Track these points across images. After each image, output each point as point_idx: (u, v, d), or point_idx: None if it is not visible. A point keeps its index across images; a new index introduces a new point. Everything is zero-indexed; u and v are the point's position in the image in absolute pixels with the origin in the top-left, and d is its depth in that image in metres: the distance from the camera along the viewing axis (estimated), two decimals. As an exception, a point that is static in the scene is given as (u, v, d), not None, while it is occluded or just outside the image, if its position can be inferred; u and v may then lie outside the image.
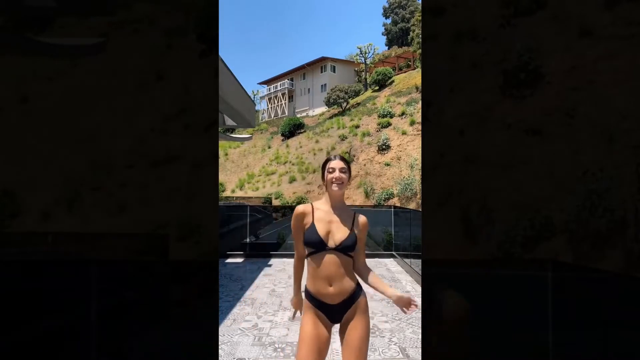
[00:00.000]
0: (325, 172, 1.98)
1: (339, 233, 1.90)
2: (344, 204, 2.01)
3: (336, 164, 1.95)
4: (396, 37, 47.16)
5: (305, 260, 1.95)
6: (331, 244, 1.88)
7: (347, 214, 1.97)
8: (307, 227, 1.91)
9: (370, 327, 4.09)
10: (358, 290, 1.97)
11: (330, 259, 1.88)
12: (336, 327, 1.97)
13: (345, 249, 1.89)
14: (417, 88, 29.47)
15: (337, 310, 1.92)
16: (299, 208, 1.98)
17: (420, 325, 2.67)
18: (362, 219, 2.01)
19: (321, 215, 1.94)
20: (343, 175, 1.93)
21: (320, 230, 1.88)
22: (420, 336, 2.61)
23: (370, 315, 4.14)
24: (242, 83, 7.04)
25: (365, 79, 38.88)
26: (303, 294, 1.99)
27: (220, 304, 4.54)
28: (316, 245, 1.88)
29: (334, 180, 1.92)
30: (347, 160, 2.03)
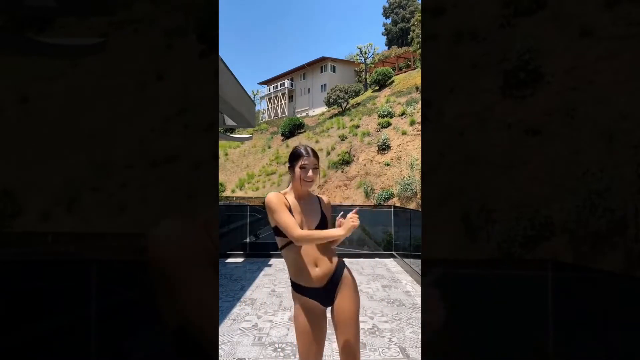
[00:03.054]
0: (297, 167, 1.94)
1: (311, 218, 1.92)
2: (309, 193, 2.00)
3: (310, 161, 1.90)
4: (396, 37, 47.14)
5: (283, 251, 1.92)
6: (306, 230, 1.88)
7: (312, 199, 1.99)
8: None
9: (370, 327, 4.09)
10: (341, 266, 1.97)
11: (308, 246, 1.88)
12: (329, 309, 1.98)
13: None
14: (417, 88, 29.47)
15: (326, 291, 1.92)
16: (274, 195, 1.90)
17: (420, 325, 2.67)
18: (325, 199, 2.05)
19: (292, 206, 1.93)
20: (315, 175, 1.92)
21: (297, 219, 1.87)
22: (420, 336, 2.61)
23: (370, 315, 4.15)
24: (242, 83, 7.04)
25: (365, 79, 38.86)
26: (290, 288, 1.99)
27: (220, 304, 4.54)
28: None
29: (306, 179, 1.90)
30: (318, 155, 2.01)
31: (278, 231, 1.85)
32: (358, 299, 1.96)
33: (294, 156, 1.93)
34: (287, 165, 1.98)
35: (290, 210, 1.86)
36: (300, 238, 1.79)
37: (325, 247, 1.91)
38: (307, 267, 1.87)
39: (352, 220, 1.79)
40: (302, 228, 1.84)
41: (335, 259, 1.94)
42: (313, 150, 1.94)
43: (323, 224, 1.92)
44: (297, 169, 1.90)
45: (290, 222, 1.81)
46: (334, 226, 1.95)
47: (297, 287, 1.91)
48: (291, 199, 1.93)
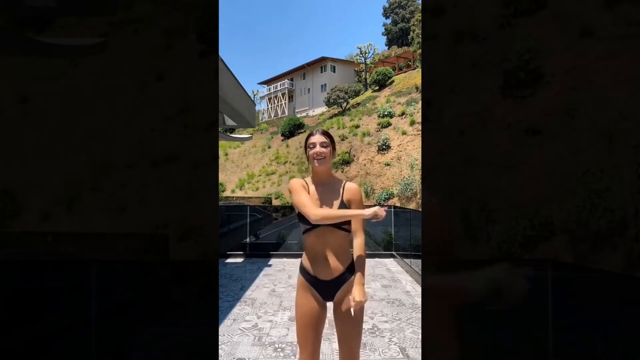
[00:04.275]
0: (307, 148, 1.95)
1: (328, 204, 1.86)
2: (332, 178, 1.96)
3: (317, 138, 1.90)
4: (396, 37, 47.12)
5: (303, 236, 1.93)
6: None
7: (335, 186, 1.91)
8: None
9: (370, 327, 4.09)
10: (351, 269, 1.94)
11: (324, 235, 1.85)
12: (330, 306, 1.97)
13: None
14: (417, 88, 29.46)
15: (329, 286, 1.91)
16: (295, 179, 1.93)
17: (420, 325, 2.67)
18: (350, 186, 1.92)
19: (312, 191, 1.90)
20: (324, 149, 1.88)
21: None
22: (420, 336, 2.61)
23: (370, 315, 4.15)
24: (242, 83, 7.05)
25: (365, 79, 38.83)
26: (298, 271, 1.99)
27: (220, 304, 4.54)
28: (310, 222, 1.84)
29: (315, 155, 1.88)
30: (329, 134, 1.98)
31: (300, 216, 1.85)
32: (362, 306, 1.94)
33: (305, 140, 1.95)
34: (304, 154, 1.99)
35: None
36: (317, 216, 1.75)
37: (342, 246, 1.89)
38: (319, 259, 1.87)
39: (379, 209, 1.76)
40: None
41: (348, 261, 1.92)
42: (323, 130, 1.95)
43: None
44: (307, 151, 1.92)
45: (307, 202, 1.80)
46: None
47: (304, 273, 1.92)
48: (313, 184, 1.92)
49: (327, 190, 1.90)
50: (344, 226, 1.86)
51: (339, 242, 1.88)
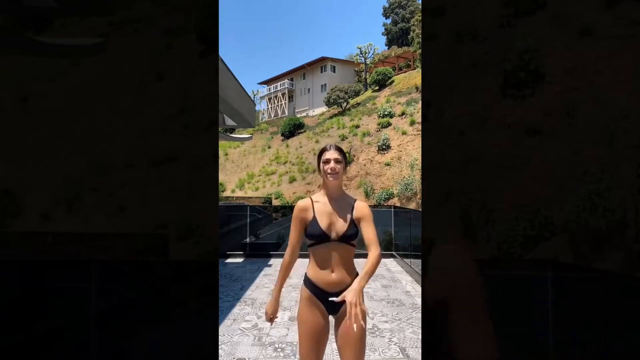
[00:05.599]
0: (321, 163, 1.98)
1: (340, 224, 1.90)
2: (342, 193, 2.01)
3: (331, 154, 1.96)
4: (396, 37, 47.11)
5: (309, 249, 1.94)
6: (334, 235, 1.88)
7: (346, 203, 1.96)
8: (309, 222, 1.91)
9: (370, 327, 4.09)
10: None
11: (332, 250, 1.89)
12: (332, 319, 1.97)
13: (347, 238, 1.89)
14: (417, 88, 29.46)
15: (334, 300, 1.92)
16: (300, 203, 1.98)
17: (420, 325, 2.67)
18: (360, 205, 1.97)
19: (321, 208, 1.93)
20: (337, 165, 1.93)
21: (322, 222, 1.88)
22: (420, 336, 2.61)
23: (370, 315, 4.14)
24: (242, 83, 7.05)
25: (365, 79, 38.83)
26: (302, 283, 1.99)
27: (220, 304, 4.54)
28: (319, 238, 1.87)
29: (329, 171, 1.93)
30: (342, 150, 2.02)
31: (306, 231, 1.92)
32: (365, 317, 1.94)
33: (319, 154, 1.99)
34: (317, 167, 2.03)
35: (314, 215, 1.89)
36: (283, 261, 1.99)
37: (348, 259, 1.92)
38: (325, 272, 1.90)
39: (357, 303, 1.61)
40: (329, 231, 1.87)
41: (353, 274, 1.93)
42: (337, 146, 2.00)
43: (353, 232, 1.87)
44: (321, 165, 1.95)
45: (290, 242, 1.97)
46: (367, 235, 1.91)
47: (309, 285, 1.93)
48: (322, 200, 1.96)
49: (341, 204, 1.95)
50: (351, 241, 1.89)
51: (346, 256, 1.91)
